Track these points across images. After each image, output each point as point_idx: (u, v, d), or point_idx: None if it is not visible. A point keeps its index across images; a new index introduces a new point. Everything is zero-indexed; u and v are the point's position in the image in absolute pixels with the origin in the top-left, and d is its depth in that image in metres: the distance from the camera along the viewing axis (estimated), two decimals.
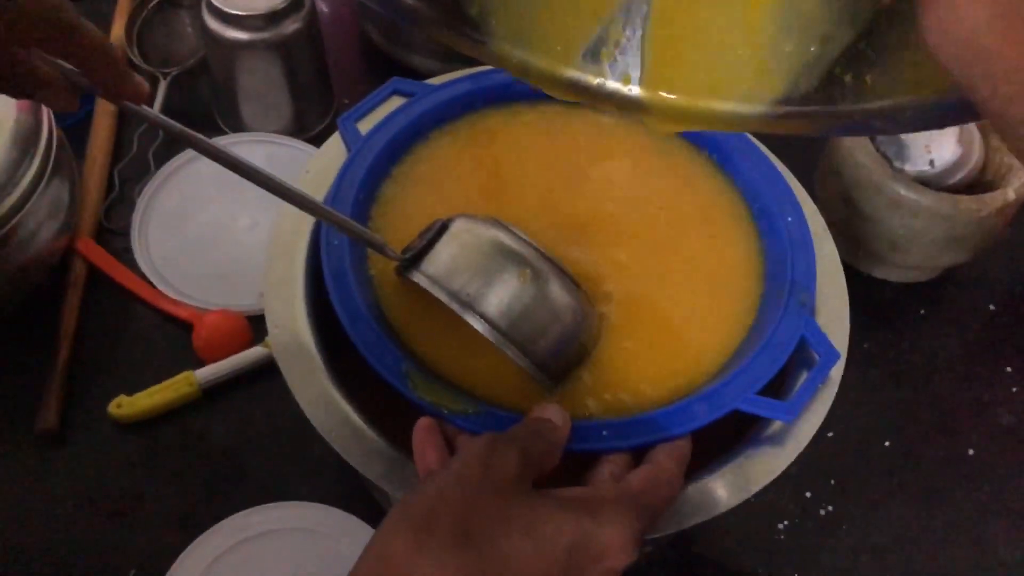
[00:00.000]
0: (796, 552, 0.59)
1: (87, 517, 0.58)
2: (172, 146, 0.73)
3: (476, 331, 0.43)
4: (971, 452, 0.64)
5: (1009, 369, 0.68)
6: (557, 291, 0.44)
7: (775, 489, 0.60)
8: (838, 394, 0.65)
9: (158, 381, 0.62)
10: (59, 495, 0.58)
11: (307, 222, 0.51)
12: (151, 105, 0.75)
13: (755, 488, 0.44)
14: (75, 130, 0.73)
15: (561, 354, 0.44)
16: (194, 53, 0.77)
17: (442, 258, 0.44)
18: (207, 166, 0.73)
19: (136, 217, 0.69)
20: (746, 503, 0.60)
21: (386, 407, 0.45)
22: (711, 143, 0.53)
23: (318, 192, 0.51)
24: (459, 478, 0.36)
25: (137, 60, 0.77)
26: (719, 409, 0.44)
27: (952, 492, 0.62)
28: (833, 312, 0.49)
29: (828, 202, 0.69)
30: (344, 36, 0.84)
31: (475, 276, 0.43)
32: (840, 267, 0.50)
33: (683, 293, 0.49)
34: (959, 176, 0.63)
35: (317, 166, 0.53)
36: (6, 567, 0.54)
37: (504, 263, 0.43)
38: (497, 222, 0.45)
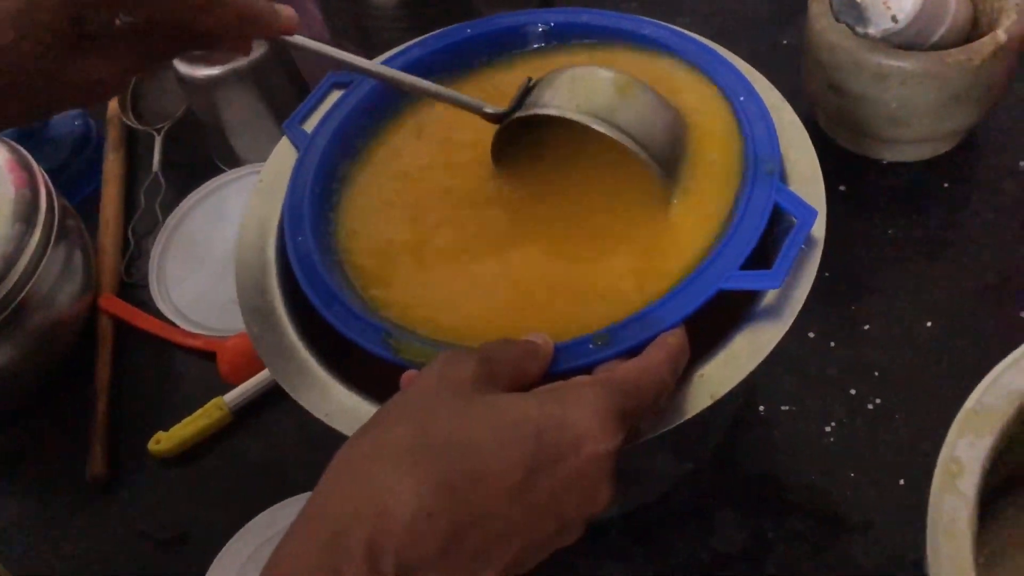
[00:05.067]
0: (849, 452, 0.56)
1: (144, 550, 0.59)
2: (177, 195, 0.76)
3: (462, 284, 0.45)
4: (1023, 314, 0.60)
5: None
6: (653, 98, 0.46)
7: (817, 394, 0.59)
8: (868, 288, 0.63)
9: (192, 412, 0.64)
10: (115, 533, 0.60)
11: (273, 219, 0.52)
12: (153, 158, 0.78)
13: (756, 362, 0.42)
14: (89, 201, 0.77)
15: (669, 145, 0.46)
16: (182, 105, 0.80)
17: (546, 92, 0.46)
18: (209, 206, 0.75)
19: (152, 266, 0.72)
20: (789, 412, 0.58)
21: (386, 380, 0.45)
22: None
23: (274, 196, 0.52)
24: (416, 389, 0.36)
25: (132, 122, 0.80)
26: (703, 294, 0.42)
27: None
28: (805, 175, 0.47)
29: (818, 97, 0.67)
30: None
31: (581, 95, 0.45)
32: (803, 130, 0.48)
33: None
34: (940, 31, 0.60)
35: (270, 173, 0.53)
36: None
37: (603, 82, 0.46)
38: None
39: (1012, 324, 0.59)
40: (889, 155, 0.67)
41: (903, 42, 0.59)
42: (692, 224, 0.45)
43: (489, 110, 0.47)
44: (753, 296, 0.44)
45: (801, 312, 0.60)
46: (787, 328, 0.43)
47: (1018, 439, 0.43)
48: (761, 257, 0.44)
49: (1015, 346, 0.53)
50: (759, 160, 0.46)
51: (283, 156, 0.54)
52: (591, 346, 0.42)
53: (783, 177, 0.47)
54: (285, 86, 0.74)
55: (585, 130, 0.45)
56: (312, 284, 0.47)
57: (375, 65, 0.48)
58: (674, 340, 0.40)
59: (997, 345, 0.57)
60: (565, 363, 0.41)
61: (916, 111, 0.61)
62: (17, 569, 0.60)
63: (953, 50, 0.59)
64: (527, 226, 0.48)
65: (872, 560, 0.52)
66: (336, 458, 0.34)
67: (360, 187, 0.52)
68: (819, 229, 0.44)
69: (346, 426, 0.44)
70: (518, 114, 0.46)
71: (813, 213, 0.43)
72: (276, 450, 0.63)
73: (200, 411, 0.63)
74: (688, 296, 0.42)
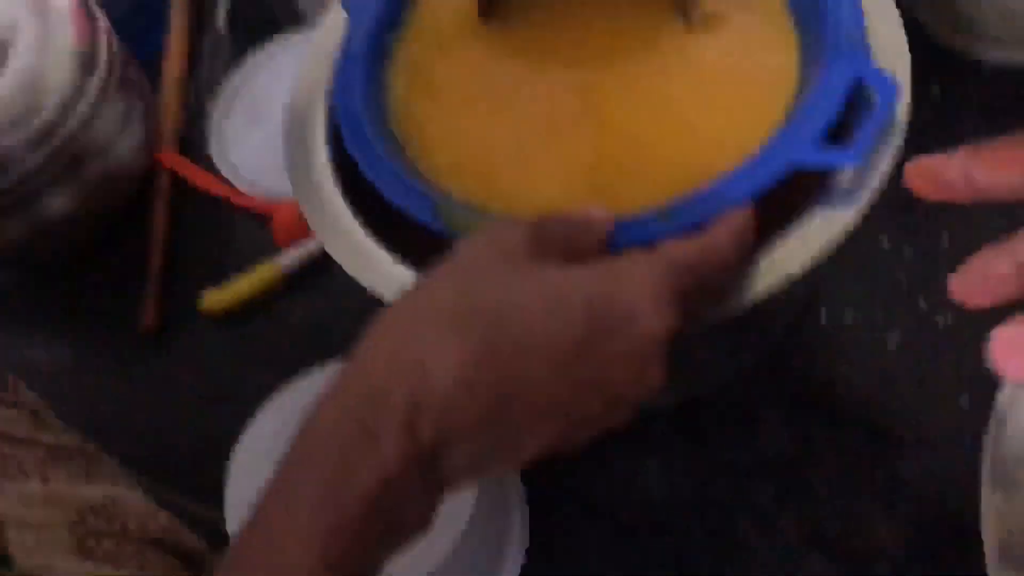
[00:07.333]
0: (911, 368, 0.53)
1: (188, 403, 0.61)
2: (242, 54, 0.74)
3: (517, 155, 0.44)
4: None
5: None
6: None
7: (884, 304, 0.56)
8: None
9: (243, 272, 0.64)
10: (162, 385, 0.62)
11: (325, 82, 0.50)
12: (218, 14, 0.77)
13: (830, 245, 0.39)
14: (154, 59, 0.76)
15: None
16: None
17: None
18: (272, 66, 0.73)
19: (212, 125, 0.71)
20: (852, 320, 0.56)
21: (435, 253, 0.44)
22: None
23: (328, 58, 0.50)
24: (464, 254, 0.34)
25: None
26: (774, 169, 0.39)
27: None
28: (889, 48, 0.42)
29: None
30: None
31: None
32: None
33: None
34: None
35: (324, 34, 0.51)
36: (114, 447, 0.57)
37: None
38: None
39: None
40: (994, 56, 0.62)
41: None
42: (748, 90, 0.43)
43: None
44: (821, 179, 0.41)
45: (874, 217, 0.56)
46: (862, 213, 0.39)
47: None
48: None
49: None
50: (840, 26, 0.41)
51: (338, 17, 0.51)
52: (654, 222, 0.39)
53: (862, 46, 0.42)
54: None
55: None
56: (361, 148, 0.45)
57: None
58: (741, 218, 0.37)
59: None
60: (625, 239, 0.38)
61: None
62: (64, 413, 0.61)
63: None
64: (567, 93, 0.45)
65: (919, 480, 0.50)
66: (378, 319, 0.33)
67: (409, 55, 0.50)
68: (903, 110, 0.41)
69: (393, 295, 0.43)
70: None
71: (895, 89, 0.39)
72: (324, 315, 0.62)
73: (252, 272, 0.63)
74: (757, 171, 0.39)
